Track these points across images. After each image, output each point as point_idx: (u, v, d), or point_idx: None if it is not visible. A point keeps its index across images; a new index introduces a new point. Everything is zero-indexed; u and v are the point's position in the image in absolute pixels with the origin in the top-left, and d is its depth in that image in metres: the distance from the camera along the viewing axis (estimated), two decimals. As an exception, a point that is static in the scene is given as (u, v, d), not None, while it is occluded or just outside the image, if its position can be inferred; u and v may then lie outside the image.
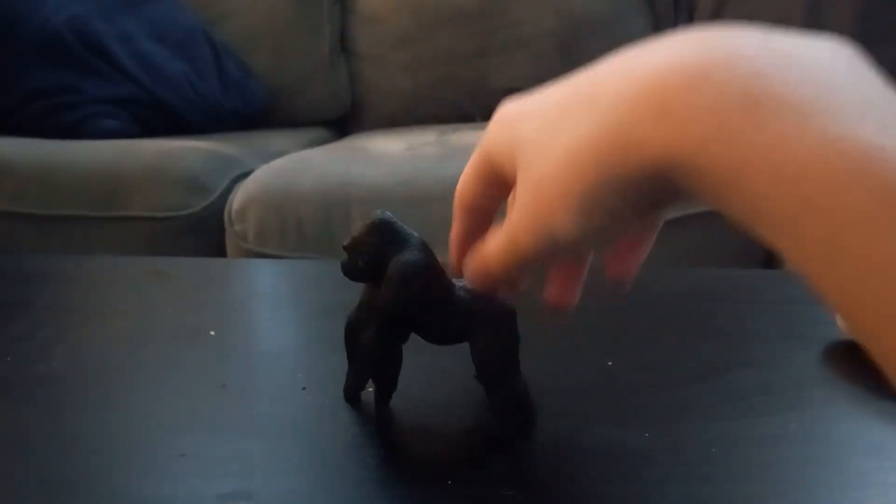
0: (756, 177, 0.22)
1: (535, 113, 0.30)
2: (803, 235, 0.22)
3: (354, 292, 0.39)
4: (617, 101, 0.26)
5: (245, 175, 1.31)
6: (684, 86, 0.24)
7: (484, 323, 0.37)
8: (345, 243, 0.37)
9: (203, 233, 1.26)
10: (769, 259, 1.21)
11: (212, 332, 0.51)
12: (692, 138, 0.24)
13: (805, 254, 0.22)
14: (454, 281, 0.38)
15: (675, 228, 1.14)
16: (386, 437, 0.38)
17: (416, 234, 0.37)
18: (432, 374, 0.43)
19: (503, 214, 0.34)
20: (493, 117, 0.33)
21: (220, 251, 1.25)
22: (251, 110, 1.72)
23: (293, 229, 1.18)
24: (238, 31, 1.76)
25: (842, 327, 0.47)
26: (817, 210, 0.21)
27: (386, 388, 0.39)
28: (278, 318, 0.56)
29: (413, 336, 0.38)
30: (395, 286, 0.36)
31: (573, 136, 0.27)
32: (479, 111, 1.72)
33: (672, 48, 0.25)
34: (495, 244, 0.33)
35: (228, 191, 1.29)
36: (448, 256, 0.38)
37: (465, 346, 0.38)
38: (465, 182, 0.36)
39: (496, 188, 0.34)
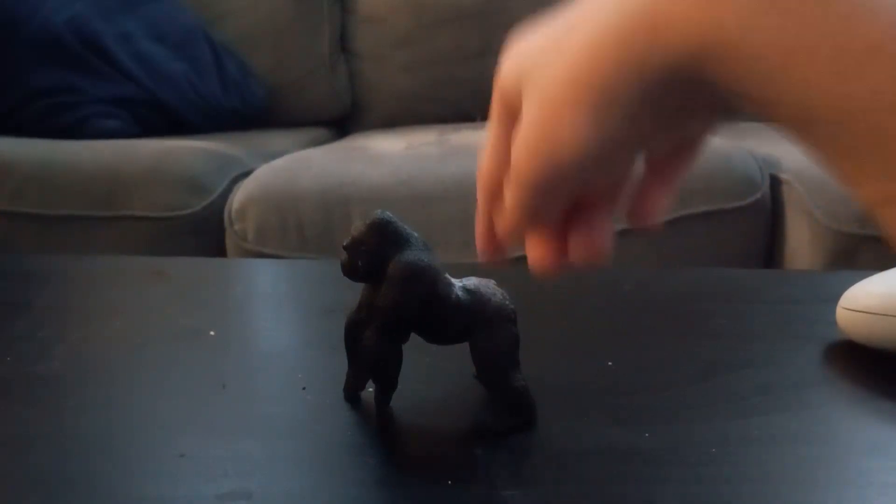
0: (814, 61, 0.19)
1: (540, 35, 0.27)
2: (877, 130, 0.18)
3: (354, 292, 0.39)
4: None
5: (245, 175, 1.31)
6: None
7: (484, 323, 0.37)
8: (345, 243, 0.37)
9: (203, 233, 1.26)
10: (769, 259, 1.21)
11: (212, 332, 0.51)
12: (736, 14, 0.20)
13: (875, 155, 0.19)
14: (454, 281, 0.38)
15: (675, 228, 1.14)
16: (386, 437, 0.38)
17: (416, 234, 0.37)
18: (432, 374, 0.43)
19: None
20: (501, 58, 0.29)
21: (220, 251, 1.25)
22: (251, 110, 1.72)
23: (293, 229, 1.18)
24: (238, 31, 1.75)
25: (843, 327, 0.47)
26: (878, 105, 0.18)
27: (386, 388, 0.39)
28: (278, 318, 0.56)
29: (413, 336, 0.38)
30: (396, 286, 0.36)
31: (587, 34, 0.23)
32: (479, 111, 1.72)
33: None
34: (507, 188, 0.28)
35: (228, 191, 1.29)
36: (447, 256, 0.37)
37: (465, 346, 0.38)
38: (486, 154, 0.31)
39: None
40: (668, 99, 0.23)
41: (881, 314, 0.44)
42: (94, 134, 1.44)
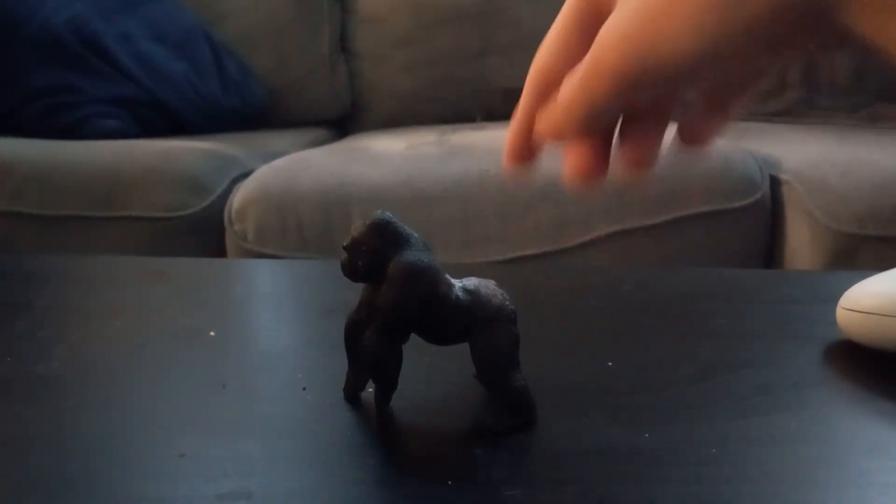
0: None
1: None
2: None
3: (354, 292, 0.39)
4: None
5: (245, 175, 1.31)
6: None
7: (484, 323, 0.37)
8: (345, 243, 0.37)
9: (203, 233, 1.26)
10: (769, 259, 1.21)
11: (212, 333, 0.51)
12: None
13: None
14: (454, 281, 0.38)
15: (675, 228, 1.14)
16: (386, 438, 0.38)
17: (416, 234, 0.37)
18: (432, 374, 0.43)
19: None
20: None
21: (220, 251, 1.25)
22: (251, 110, 1.72)
23: (293, 229, 1.18)
24: (238, 31, 1.76)
25: (843, 327, 0.47)
26: None
27: (386, 388, 0.39)
28: (278, 318, 0.56)
29: (413, 336, 0.38)
30: (396, 286, 0.36)
31: None
32: (479, 111, 1.72)
33: None
34: (573, 76, 0.26)
35: (228, 191, 1.29)
36: (447, 256, 0.37)
37: (465, 346, 0.38)
38: (549, 40, 0.28)
39: (593, 37, 0.26)
40: (784, 17, 0.21)
41: (881, 314, 0.44)
42: (94, 134, 1.44)
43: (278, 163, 1.31)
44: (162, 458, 0.35)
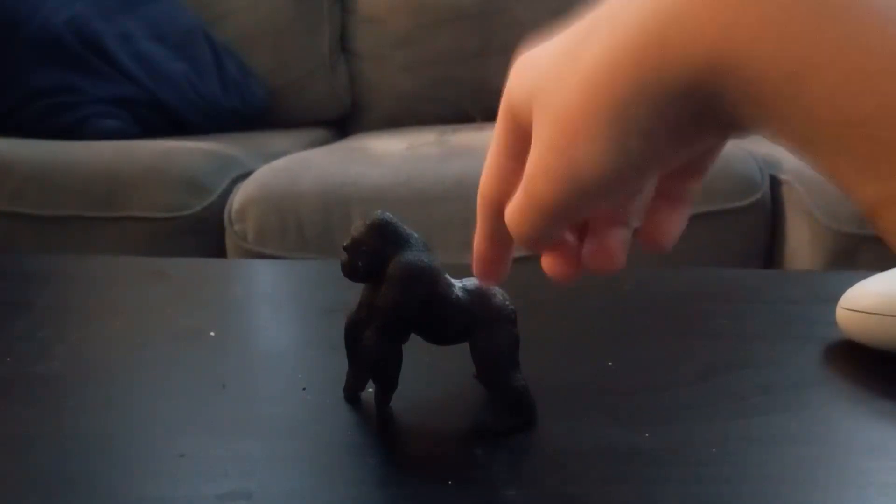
0: (825, 76, 0.19)
1: (551, 48, 0.26)
2: (885, 145, 0.19)
3: (354, 292, 0.39)
4: (650, 1, 0.22)
5: (245, 175, 1.31)
6: None
7: (484, 323, 0.37)
8: (345, 243, 0.37)
9: (203, 233, 1.26)
10: (769, 259, 1.21)
11: (212, 333, 0.51)
12: (745, 31, 0.20)
13: (875, 160, 0.19)
14: (454, 281, 0.38)
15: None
16: (386, 438, 0.38)
17: (416, 234, 0.37)
18: (432, 374, 0.43)
19: None
20: (510, 72, 0.29)
21: (220, 251, 1.25)
22: (251, 110, 1.72)
23: (293, 229, 1.18)
24: (238, 31, 1.76)
25: (843, 327, 0.47)
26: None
27: (386, 388, 0.39)
28: (278, 318, 0.56)
29: (413, 336, 0.38)
30: (396, 286, 0.36)
31: (598, 52, 0.23)
32: (479, 111, 1.72)
33: None
34: (513, 204, 0.28)
35: (228, 191, 1.29)
36: (447, 256, 0.37)
37: (465, 346, 0.38)
38: (488, 170, 0.30)
39: (524, 162, 0.28)
40: (683, 116, 0.23)
41: (881, 314, 0.44)
42: (94, 134, 1.44)
43: (278, 163, 1.31)
44: (162, 458, 0.35)
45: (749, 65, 0.20)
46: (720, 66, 0.21)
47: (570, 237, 0.31)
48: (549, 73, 0.25)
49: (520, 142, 0.28)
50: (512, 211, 0.28)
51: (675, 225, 0.31)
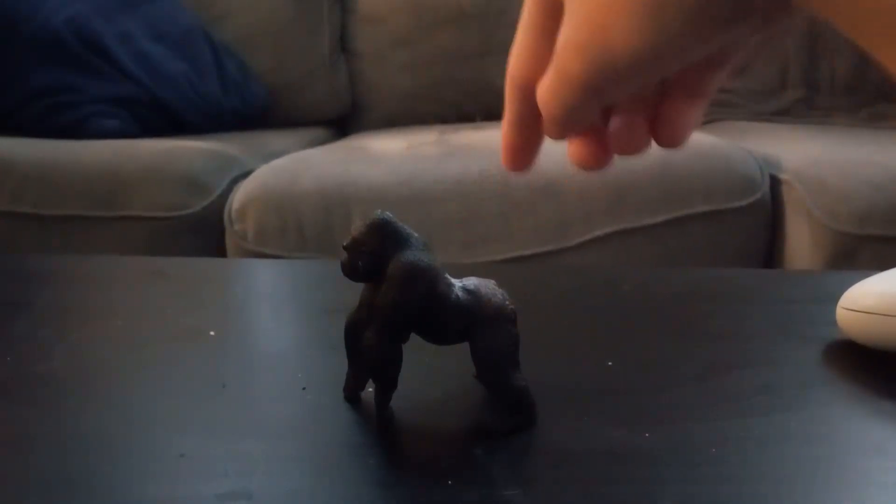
0: None
1: None
2: None
3: (354, 292, 0.39)
4: None
5: (245, 175, 1.31)
6: None
7: (484, 323, 0.37)
8: (345, 243, 0.37)
9: (203, 233, 1.26)
10: (769, 259, 1.21)
11: (212, 333, 0.51)
12: None
13: None
14: (454, 281, 0.38)
15: (675, 228, 1.14)
16: (386, 437, 0.38)
17: (416, 234, 0.37)
18: (432, 374, 0.43)
19: None
20: None
21: (220, 251, 1.25)
22: (251, 110, 1.72)
23: (293, 229, 1.18)
24: (238, 31, 1.76)
25: (843, 327, 0.47)
26: None
27: (386, 388, 0.39)
28: (278, 318, 0.56)
29: (413, 336, 0.39)
30: (396, 286, 0.36)
31: None
32: (479, 111, 1.72)
33: None
34: (544, 82, 0.27)
35: (228, 191, 1.29)
36: (447, 256, 0.37)
37: (465, 346, 0.38)
38: (517, 50, 0.29)
39: (555, 41, 0.27)
40: (719, 3, 0.22)
41: (881, 314, 0.44)
42: (94, 134, 1.44)
43: (278, 163, 1.31)
44: (162, 458, 0.35)
45: None
46: None
47: (598, 121, 0.30)
48: None
49: (551, 19, 0.27)
50: (543, 90, 0.27)
51: (690, 119, 0.30)
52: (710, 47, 0.26)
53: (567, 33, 0.25)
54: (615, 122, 0.30)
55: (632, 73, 0.24)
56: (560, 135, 0.29)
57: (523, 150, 0.32)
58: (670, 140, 0.30)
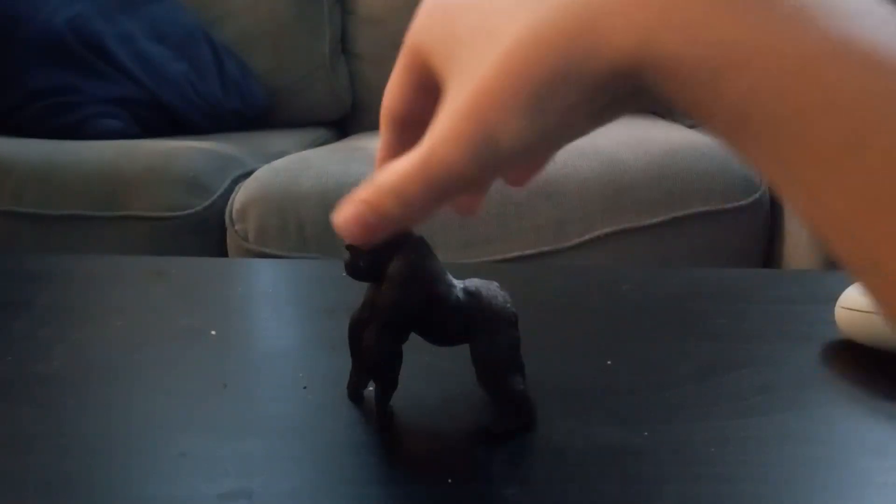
0: (750, 73, 0.20)
1: (462, 7, 0.26)
2: (807, 139, 0.19)
3: (355, 292, 0.39)
4: None
5: (245, 175, 1.31)
6: None
7: (484, 324, 0.37)
8: (347, 242, 0.37)
9: (203, 233, 1.26)
10: (768, 259, 1.21)
11: (212, 332, 0.51)
12: (675, 27, 0.21)
13: (803, 162, 0.19)
14: (456, 282, 0.38)
15: (674, 228, 1.14)
16: (386, 437, 0.38)
17: (416, 234, 0.37)
18: (432, 374, 0.43)
19: None
20: (419, 8, 0.29)
21: (220, 251, 1.25)
22: (251, 110, 1.72)
23: (294, 229, 1.18)
24: (238, 31, 1.76)
25: (842, 327, 0.47)
26: (832, 108, 0.19)
27: (386, 388, 0.39)
28: (279, 317, 0.56)
29: (413, 336, 0.39)
30: (396, 286, 0.36)
31: (526, 25, 0.23)
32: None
33: None
34: (398, 170, 0.27)
35: (229, 191, 1.29)
36: (447, 256, 0.37)
37: (465, 346, 0.38)
38: (391, 87, 0.31)
39: (427, 93, 0.29)
40: (607, 97, 0.24)
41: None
42: (94, 134, 1.44)
43: (279, 163, 1.31)
44: (163, 458, 0.36)
45: (678, 58, 0.21)
46: (649, 59, 0.21)
47: None
48: (470, 32, 0.25)
49: (423, 78, 0.28)
50: (397, 178, 0.27)
51: (542, 163, 0.32)
52: (583, 131, 0.28)
53: (445, 123, 0.25)
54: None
55: (509, 162, 0.25)
56: (402, 222, 0.29)
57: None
58: (515, 183, 0.33)
